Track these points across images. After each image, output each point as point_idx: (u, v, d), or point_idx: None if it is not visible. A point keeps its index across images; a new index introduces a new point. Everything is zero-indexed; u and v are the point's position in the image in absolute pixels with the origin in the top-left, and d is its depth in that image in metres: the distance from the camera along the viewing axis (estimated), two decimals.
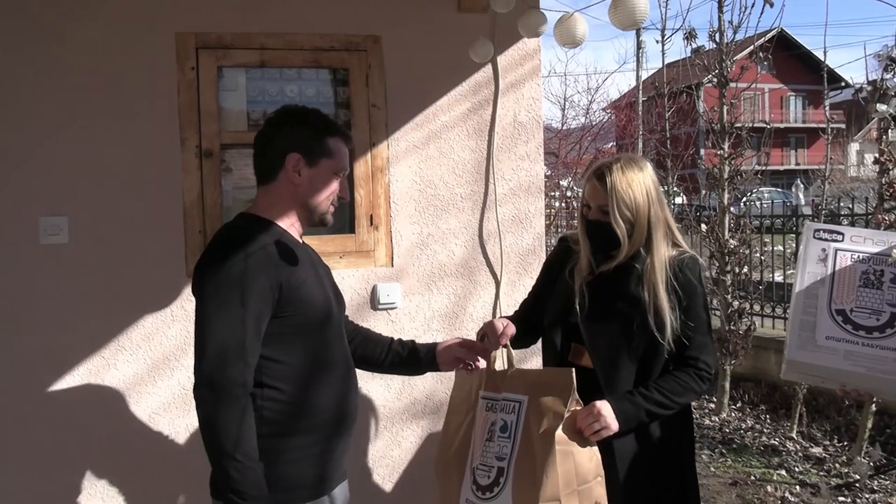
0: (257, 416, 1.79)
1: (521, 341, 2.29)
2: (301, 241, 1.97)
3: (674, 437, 2.17)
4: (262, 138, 1.93)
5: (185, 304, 2.80)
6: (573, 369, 1.99)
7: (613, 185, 2.05)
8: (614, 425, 1.98)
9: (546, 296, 2.28)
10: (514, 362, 2.12)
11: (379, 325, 2.97)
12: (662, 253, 2.09)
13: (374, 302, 2.97)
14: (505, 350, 2.14)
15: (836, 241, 1.89)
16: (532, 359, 2.90)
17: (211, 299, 1.76)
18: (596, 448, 1.99)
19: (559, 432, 1.93)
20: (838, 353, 1.80)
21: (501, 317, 2.24)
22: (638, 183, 2.08)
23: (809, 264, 1.89)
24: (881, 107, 1.23)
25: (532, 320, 2.29)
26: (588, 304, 2.12)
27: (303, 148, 1.88)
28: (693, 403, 6.00)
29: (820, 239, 1.91)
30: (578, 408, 1.99)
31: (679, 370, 2.09)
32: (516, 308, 2.45)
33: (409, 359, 2.21)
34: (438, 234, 3.05)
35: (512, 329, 2.13)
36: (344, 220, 2.96)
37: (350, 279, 2.94)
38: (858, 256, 1.86)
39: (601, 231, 2.10)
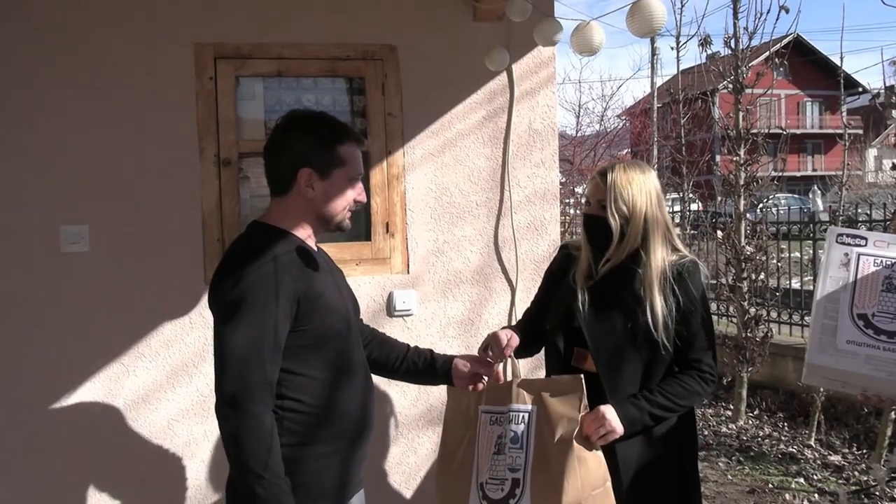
0: (278, 427, 1.77)
1: (526, 350, 2.32)
2: (317, 248, 1.96)
3: (676, 441, 2.18)
4: (272, 148, 1.89)
5: (204, 312, 2.83)
6: (582, 375, 2.01)
7: (613, 180, 2.10)
8: (619, 429, 1.99)
9: (549, 303, 2.30)
10: (518, 373, 2.12)
11: (395, 331, 2.98)
12: (660, 255, 2.11)
13: (390, 309, 2.99)
14: (510, 361, 2.15)
15: (859, 245, 1.89)
16: (542, 367, 2.90)
17: (228, 315, 1.73)
18: (601, 452, 2.00)
19: (576, 437, 1.94)
20: (859, 357, 1.80)
21: (505, 327, 2.26)
22: (638, 182, 2.11)
23: (832, 269, 1.89)
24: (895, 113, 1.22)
25: (536, 328, 2.31)
26: (589, 307, 2.14)
27: (314, 162, 1.83)
28: (710, 411, 6.00)
29: (842, 244, 1.91)
30: (585, 413, 2.00)
31: (682, 373, 2.11)
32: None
33: (425, 370, 2.19)
34: (454, 241, 3.06)
35: (516, 340, 2.16)
36: (360, 227, 2.98)
37: (366, 286, 2.95)
38: (882, 262, 1.86)
39: (598, 225, 2.12)
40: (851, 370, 1.80)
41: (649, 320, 2.06)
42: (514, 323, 2.91)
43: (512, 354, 2.14)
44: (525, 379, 2.12)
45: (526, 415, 2.03)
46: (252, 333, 1.71)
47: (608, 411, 2.00)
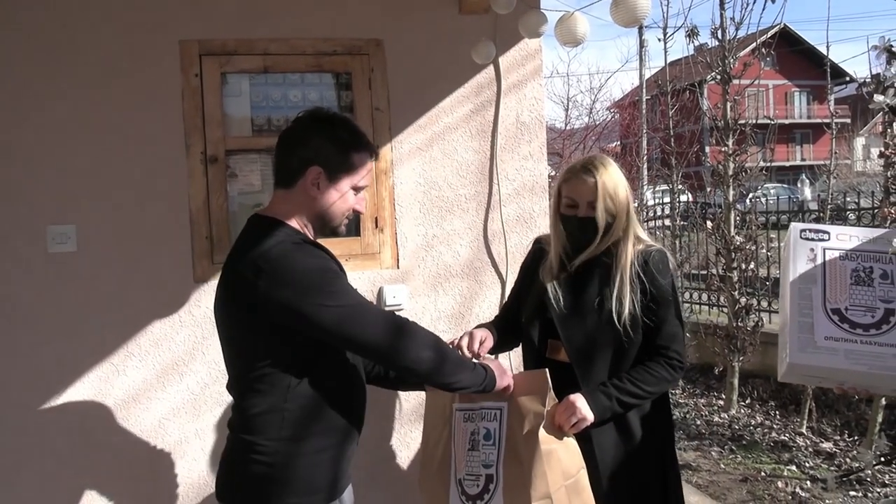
0: (279, 416, 1.79)
1: (505, 344, 2.38)
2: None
3: (650, 425, 2.20)
4: (288, 139, 1.88)
5: (193, 310, 2.82)
6: (547, 370, 2.04)
7: (603, 181, 2.11)
8: (590, 416, 2.03)
9: (525, 296, 2.32)
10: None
11: None
12: (630, 247, 2.16)
13: (380, 304, 2.99)
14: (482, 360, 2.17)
15: (822, 240, 1.89)
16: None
17: (318, 294, 1.74)
18: (574, 441, 2.03)
19: (542, 431, 1.96)
20: (838, 353, 1.78)
21: (481, 325, 2.27)
22: (621, 180, 2.17)
23: (800, 265, 1.88)
24: (878, 97, 1.22)
25: (514, 322, 2.34)
26: (561, 299, 2.18)
27: (325, 162, 1.83)
28: (702, 401, 6.02)
29: (807, 239, 1.91)
30: (555, 403, 2.03)
31: (651, 360, 2.14)
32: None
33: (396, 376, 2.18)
34: (443, 235, 3.06)
35: (490, 341, 2.21)
36: (349, 223, 2.97)
37: (356, 282, 2.94)
38: (847, 254, 1.86)
39: (588, 226, 2.13)
40: (833, 367, 1.79)
41: (619, 310, 2.10)
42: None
43: (486, 354, 2.18)
44: None
45: (497, 412, 2.06)
46: (352, 294, 1.80)
47: (578, 400, 2.03)
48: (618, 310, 2.10)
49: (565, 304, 2.17)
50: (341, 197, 1.87)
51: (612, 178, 2.13)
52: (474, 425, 2.07)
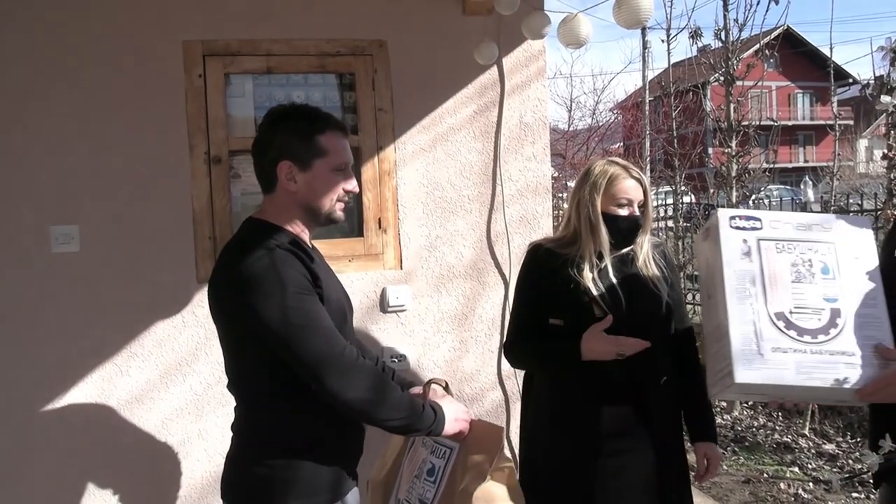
0: (282, 418, 1.78)
1: None
2: (311, 245, 1.96)
3: (679, 428, 2.24)
4: (256, 146, 1.88)
5: (196, 310, 2.82)
6: (504, 428, 2.13)
7: (647, 183, 2.23)
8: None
9: (546, 300, 2.24)
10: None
11: (389, 327, 2.99)
12: (648, 238, 2.25)
13: (383, 304, 2.99)
14: (445, 391, 2.15)
15: (755, 228, 1.66)
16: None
17: (258, 290, 1.69)
18: None
19: (477, 493, 1.87)
20: (788, 366, 1.56)
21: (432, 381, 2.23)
22: None
23: (733, 261, 1.64)
24: (885, 98, 1.21)
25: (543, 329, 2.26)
26: (611, 288, 2.17)
27: (291, 154, 1.80)
28: None
29: (738, 228, 1.67)
30: (507, 465, 1.92)
31: (689, 355, 2.26)
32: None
33: None
34: (447, 235, 3.06)
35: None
36: (353, 223, 2.98)
37: (359, 282, 2.95)
38: (783, 246, 1.65)
39: (637, 224, 2.20)
40: (784, 383, 1.56)
41: (665, 291, 2.19)
42: (505, 325, 2.95)
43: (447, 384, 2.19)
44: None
45: (448, 451, 2.00)
46: (302, 305, 1.71)
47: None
48: (663, 291, 2.19)
49: (619, 291, 2.17)
50: (323, 182, 1.84)
51: (646, 180, 2.26)
52: (426, 455, 2.03)
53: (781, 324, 1.59)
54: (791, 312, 1.60)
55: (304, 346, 1.69)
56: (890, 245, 1.98)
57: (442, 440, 2.02)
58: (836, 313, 1.60)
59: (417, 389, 2.17)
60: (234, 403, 1.89)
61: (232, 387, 1.89)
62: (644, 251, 2.22)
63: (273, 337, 1.70)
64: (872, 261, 1.64)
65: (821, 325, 1.59)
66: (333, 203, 1.87)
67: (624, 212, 2.17)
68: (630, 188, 2.18)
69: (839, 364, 1.55)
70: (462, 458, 1.98)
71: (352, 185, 1.90)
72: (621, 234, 2.19)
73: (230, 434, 1.89)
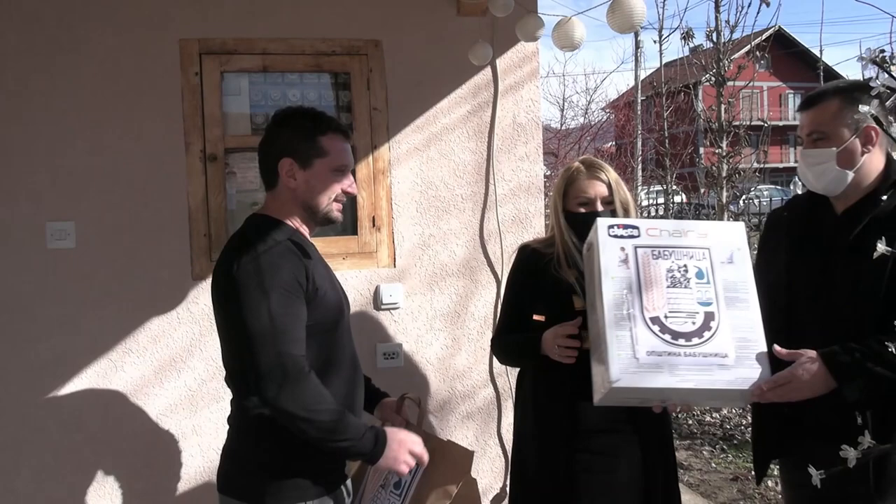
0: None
1: None
2: (309, 241, 1.99)
3: (666, 428, 2.25)
4: (261, 145, 1.95)
5: (191, 307, 2.84)
6: (474, 452, 2.12)
7: (612, 178, 2.22)
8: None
9: (531, 302, 2.28)
10: (422, 423, 2.21)
11: (382, 324, 3.01)
12: None
13: (377, 302, 3.01)
14: (418, 408, 2.23)
15: (632, 237, 1.71)
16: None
17: (245, 292, 1.74)
18: None
19: None
20: (662, 369, 1.60)
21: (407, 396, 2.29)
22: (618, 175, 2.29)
23: (611, 268, 1.68)
24: (863, 108, 1.23)
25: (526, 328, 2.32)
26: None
27: (293, 152, 1.88)
28: None
29: (616, 237, 1.71)
30: (473, 491, 2.01)
31: None
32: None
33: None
34: (440, 234, 3.09)
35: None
36: (347, 221, 3.00)
37: (353, 280, 2.97)
38: (659, 252, 1.69)
39: (590, 221, 2.17)
40: (659, 386, 1.59)
41: None
42: (496, 323, 2.98)
43: (418, 400, 2.28)
44: (425, 432, 2.18)
45: (415, 466, 2.06)
46: (276, 305, 1.74)
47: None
48: None
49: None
50: (322, 181, 1.90)
51: (616, 174, 2.26)
52: None
53: (657, 328, 1.62)
54: (666, 317, 1.63)
55: (259, 351, 1.72)
56: (768, 249, 2.04)
57: None
58: (710, 316, 1.64)
59: (391, 401, 2.23)
60: (228, 398, 1.92)
61: (228, 379, 1.92)
62: None
63: (237, 332, 1.76)
64: (746, 265, 1.69)
65: (695, 329, 1.63)
66: (331, 203, 1.93)
67: (590, 209, 2.21)
68: (587, 187, 2.23)
69: (713, 366, 1.60)
70: (427, 475, 2.05)
71: (350, 186, 1.95)
72: (581, 231, 2.19)
73: (225, 429, 1.92)
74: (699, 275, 1.68)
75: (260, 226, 1.89)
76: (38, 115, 2.72)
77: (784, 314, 1.87)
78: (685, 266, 1.68)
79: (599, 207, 2.21)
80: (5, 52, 2.69)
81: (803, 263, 1.88)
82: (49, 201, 2.73)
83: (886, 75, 0.95)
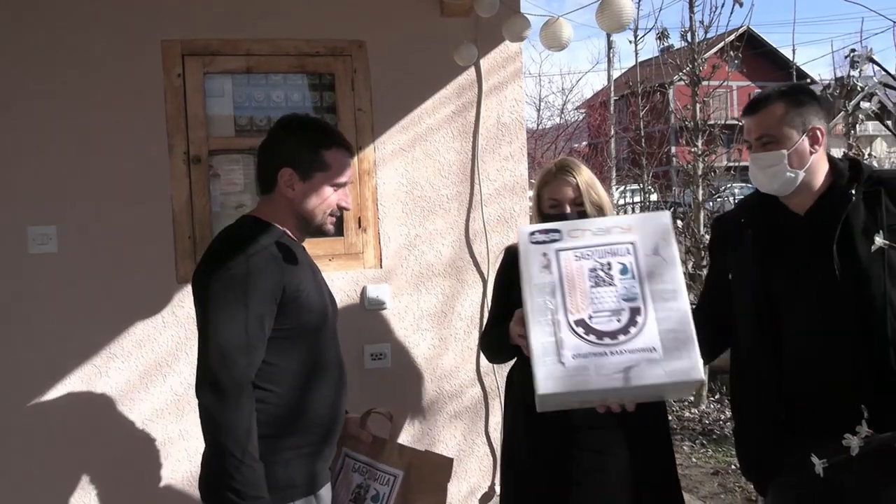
0: (259, 415, 1.79)
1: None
2: (299, 243, 1.99)
3: (661, 424, 2.27)
4: (262, 147, 1.96)
5: (176, 311, 2.82)
6: (453, 459, 2.16)
7: (583, 179, 2.24)
8: None
9: (517, 298, 2.32)
10: (396, 436, 2.26)
11: (369, 325, 3.01)
12: None
13: (363, 303, 3.01)
14: (390, 422, 2.26)
15: (554, 241, 1.69)
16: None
17: (214, 300, 1.77)
18: None
19: None
20: (588, 370, 1.58)
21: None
22: (594, 177, 2.31)
23: (534, 275, 1.67)
24: (865, 104, 1.27)
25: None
26: None
27: (295, 162, 1.89)
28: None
29: (538, 243, 1.69)
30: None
31: None
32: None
33: None
34: (426, 234, 3.09)
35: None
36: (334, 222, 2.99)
37: (340, 281, 2.97)
38: (582, 253, 1.67)
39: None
40: (588, 389, 1.58)
41: None
42: (483, 323, 2.98)
43: (389, 414, 2.31)
44: (400, 444, 2.21)
45: (392, 478, 2.10)
46: (237, 318, 1.75)
47: None
48: None
49: None
50: (318, 195, 1.91)
51: (589, 176, 2.27)
52: (363, 479, 2.12)
53: (581, 330, 1.61)
54: (591, 317, 1.62)
55: (211, 354, 1.76)
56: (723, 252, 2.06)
57: (384, 467, 2.14)
58: (635, 311, 1.62)
59: (355, 417, 2.24)
60: None
61: None
62: None
63: (203, 333, 1.80)
64: (671, 255, 1.66)
65: (620, 326, 1.61)
66: (325, 216, 1.95)
67: (559, 211, 2.26)
68: (556, 189, 2.27)
69: (641, 362, 1.58)
70: (409, 484, 2.09)
71: (346, 200, 1.97)
72: None
73: None
74: (623, 271, 1.65)
75: (248, 228, 1.88)
76: (19, 118, 2.68)
77: (769, 324, 1.89)
78: (608, 263, 1.66)
79: (567, 209, 2.24)
80: None
81: (781, 269, 1.90)
82: (31, 205, 2.70)
83: (882, 71, 0.98)
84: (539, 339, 1.61)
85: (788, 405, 1.86)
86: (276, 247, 1.85)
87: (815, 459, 1.17)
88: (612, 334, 1.59)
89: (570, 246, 1.67)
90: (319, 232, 1.98)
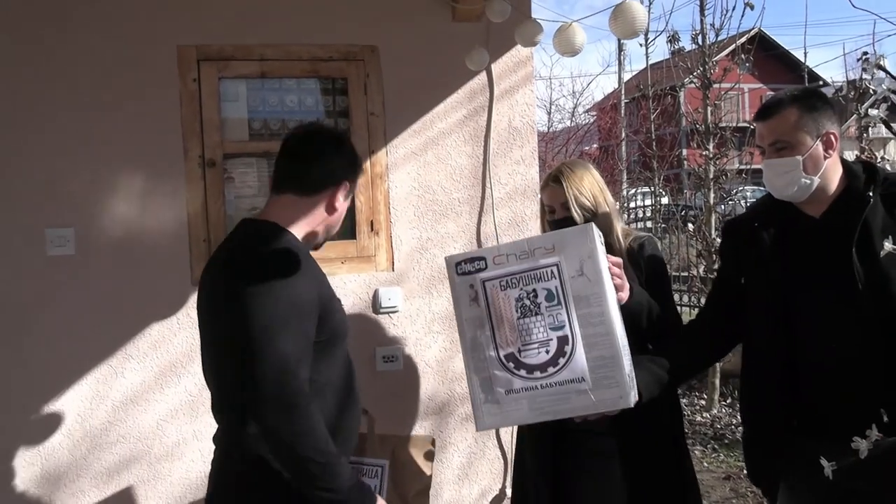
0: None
1: None
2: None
3: (667, 427, 2.28)
4: (311, 150, 1.89)
5: (191, 312, 2.85)
6: (434, 437, 2.27)
7: (569, 182, 2.27)
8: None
9: None
10: (374, 429, 2.29)
11: (381, 328, 3.03)
12: (620, 235, 2.29)
13: (375, 306, 3.03)
14: (367, 417, 2.27)
15: (480, 270, 1.65)
16: None
17: (260, 312, 1.64)
18: None
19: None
20: (522, 406, 1.61)
21: None
22: (588, 178, 2.31)
23: (463, 309, 1.65)
24: (873, 111, 1.27)
25: None
26: None
27: (352, 178, 1.93)
28: (684, 401, 6.12)
29: (465, 273, 1.66)
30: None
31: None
32: None
33: None
34: (437, 238, 3.11)
35: None
36: (345, 226, 3.00)
37: (352, 284, 2.99)
38: (507, 282, 1.64)
39: (566, 225, 2.20)
40: (524, 422, 1.64)
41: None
42: None
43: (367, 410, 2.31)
44: (381, 434, 2.24)
45: (379, 469, 2.14)
46: (291, 330, 1.66)
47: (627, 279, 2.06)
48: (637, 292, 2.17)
49: None
50: (341, 214, 1.95)
51: (578, 179, 2.28)
52: None
53: (511, 365, 1.62)
54: (520, 351, 1.62)
55: (264, 369, 1.62)
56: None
57: (370, 460, 2.18)
58: (563, 341, 1.61)
59: None
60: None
61: (218, 404, 1.89)
62: (618, 250, 2.25)
63: (237, 344, 1.65)
64: (597, 274, 1.63)
65: (549, 358, 1.61)
66: (329, 235, 1.98)
67: (554, 216, 2.32)
68: (548, 196, 2.35)
69: (570, 393, 1.60)
70: (398, 468, 2.18)
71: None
72: None
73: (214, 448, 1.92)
74: (549, 297, 1.63)
75: (275, 236, 1.80)
76: (38, 122, 2.72)
77: (783, 328, 1.88)
78: (534, 291, 1.63)
79: (560, 214, 2.30)
80: (3, 60, 2.70)
81: (797, 272, 1.88)
82: (48, 208, 2.73)
83: (889, 78, 0.99)
84: (474, 376, 1.64)
85: (802, 409, 1.85)
86: (310, 258, 1.83)
87: (824, 462, 1.18)
88: (542, 367, 1.61)
89: (494, 275, 1.64)
90: (317, 247, 1.98)
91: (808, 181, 1.84)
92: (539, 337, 1.62)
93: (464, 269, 1.66)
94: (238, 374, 1.66)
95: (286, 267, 1.71)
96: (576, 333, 1.61)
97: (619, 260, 2.00)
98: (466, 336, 1.67)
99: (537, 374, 1.61)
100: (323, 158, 1.88)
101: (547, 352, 1.61)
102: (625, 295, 2.02)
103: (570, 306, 1.62)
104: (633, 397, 1.65)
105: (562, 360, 1.61)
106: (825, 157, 1.85)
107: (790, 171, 1.85)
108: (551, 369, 1.61)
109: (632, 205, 9.98)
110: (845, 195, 1.87)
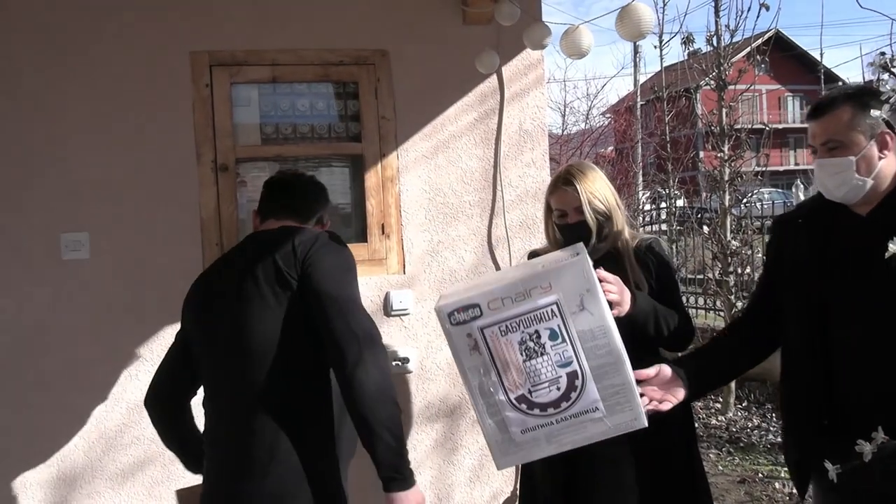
0: (300, 432, 1.80)
1: None
2: None
3: (683, 437, 2.26)
4: (308, 189, 2.10)
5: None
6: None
7: (582, 185, 2.22)
8: (626, 306, 2.04)
9: None
10: None
11: (392, 330, 3.04)
12: (628, 238, 2.27)
13: (387, 308, 3.04)
14: None
15: (475, 318, 1.63)
16: None
17: (341, 269, 1.88)
18: None
19: None
20: (540, 441, 1.65)
21: None
22: (599, 179, 2.28)
23: (464, 359, 1.65)
24: (875, 112, 1.25)
25: None
26: None
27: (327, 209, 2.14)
28: (699, 404, 6.08)
29: (459, 323, 1.63)
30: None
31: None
32: None
33: None
34: (448, 240, 3.12)
35: None
36: (356, 229, 3.04)
37: (363, 287, 2.97)
38: (507, 326, 1.63)
39: (583, 229, 2.22)
40: (543, 455, 1.68)
41: (643, 288, 2.18)
42: None
43: None
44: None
45: None
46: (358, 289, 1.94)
47: (627, 290, 2.06)
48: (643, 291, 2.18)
49: None
50: None
51: (591, 182, 2.24)
52: None
53: (524, 406, 1.64)
54: (531, 392, 1.63)
55: (357, 316, 1.81)
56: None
57: None
58: (573, 376, 1.63)
59: None
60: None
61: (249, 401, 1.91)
62: (627, 252, 2.25)
63: (330, 304, 1.80)
64: (597, 306, 1.63)
65: (560, 394, 1.63)
66: None
67: (566, 220, 2.26)
68: (559, 199, 2.27)
69: (586, 423, 1.64)
70: None
71: None
72: (570, 242, 2.16)
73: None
74: (553, 336, 1.63)
75: (293, 229, 1.97)
76: (52, 128, 2.76)
77: (819, 326, 1.83)
78: (536, 332, 1.63)
79: (573, 218, 2.24)
80: (19, 67, 2.74)
81: (837, 270, 1.82)
82: (63, 213, 2.77)
83: (893, 79, 0.98)
84: (486, 421, 1.65)
85: (835, 408, 1.79)
86: None
87: (828, 465, 1.17)
88: (555, 403, 1.63)
89: (492, 321, 1.62)
90: None
91: (861, 182, 1.77)
92: (548, 376, 1.63)
93: (458, 318, 1.63)
94: (309, 339, 1.81)
95: (340, 240, 1.94)
96: (584, 367, 1.63)
97: (615, 277, 2.00)
98: (472, 383, 1.66)
99: (551, 410, 1.64)
100: (314, 195, 2.11)
101: (558, 388, 1.63)
102: (624, 308, 2.01)
103: (576, 342, 1.63)
104: (645, 418, 1.68)
105: (573, 395, 1.63)
106: (879, 158, 1.77)
107: (842, 172, 1.78)
108: (564, 404, 1.63)
109: (647, 207, 9.94)
110: (895, 194, 1.80)
